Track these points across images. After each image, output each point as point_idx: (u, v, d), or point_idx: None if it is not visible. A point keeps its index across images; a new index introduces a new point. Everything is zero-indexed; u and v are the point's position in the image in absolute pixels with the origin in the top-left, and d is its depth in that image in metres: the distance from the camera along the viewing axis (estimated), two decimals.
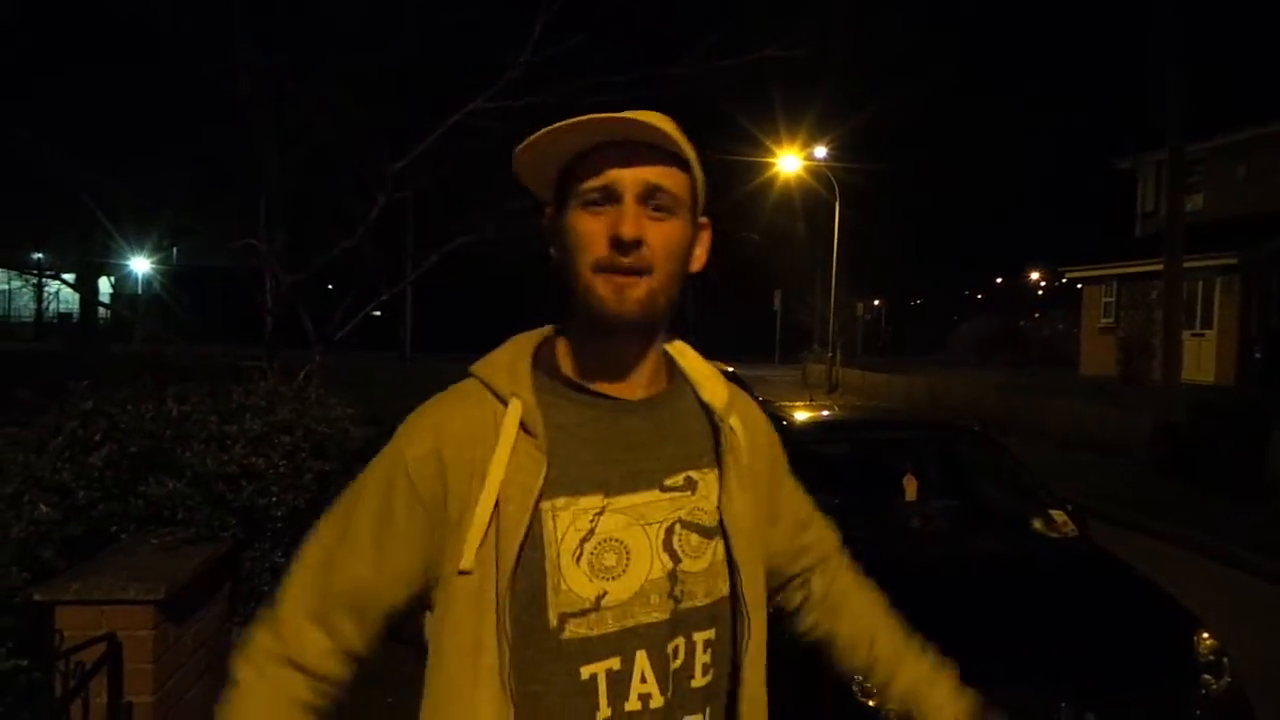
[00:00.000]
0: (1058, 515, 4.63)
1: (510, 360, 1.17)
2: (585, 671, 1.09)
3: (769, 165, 29.69)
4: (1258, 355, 18.30)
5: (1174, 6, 12.10)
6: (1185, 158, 13.65)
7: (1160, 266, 13.41)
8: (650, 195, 1.10)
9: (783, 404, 7.14)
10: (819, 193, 29.68)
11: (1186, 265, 13.61)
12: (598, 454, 1.13)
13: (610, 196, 1.10)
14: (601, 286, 1.09)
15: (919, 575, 4.08)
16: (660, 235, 1.10)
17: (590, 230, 1.10)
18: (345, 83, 5.82)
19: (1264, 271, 18.45)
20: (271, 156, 5.61)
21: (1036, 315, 41.67)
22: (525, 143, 1.10)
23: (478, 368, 1.18)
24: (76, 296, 29.89)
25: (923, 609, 3.81)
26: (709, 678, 1.17)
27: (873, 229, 32.66)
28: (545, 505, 1.09)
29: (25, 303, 36.46)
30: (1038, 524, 4.68)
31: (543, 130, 1.08)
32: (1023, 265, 55.95)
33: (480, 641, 1.06)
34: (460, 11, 5.81)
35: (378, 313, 6.62)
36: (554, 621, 1.08)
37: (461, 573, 1.07)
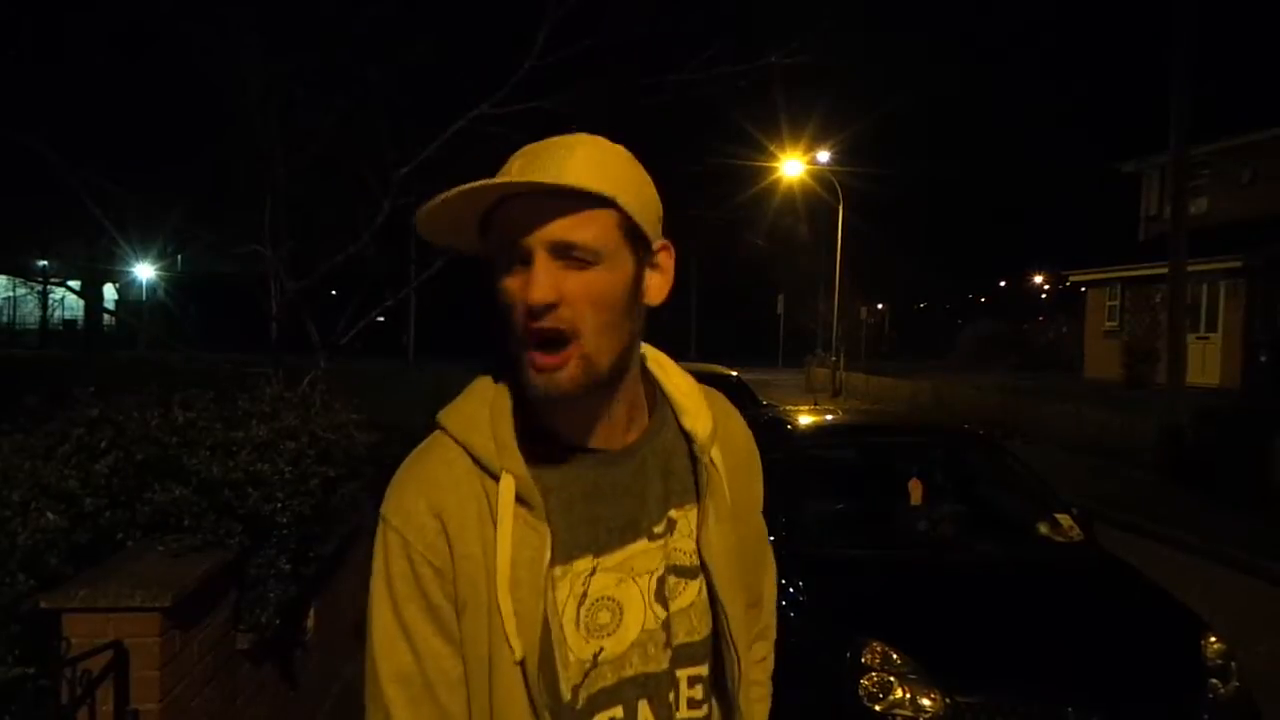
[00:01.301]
0: (1063, 519, 4.62)
1: (490, 420, 1.07)
2: None
3: (772, 170, 29.70)
4: (1263, 358, 18.27)
5: (1179, 10, 12.10)
6: (1189, 161, 13.64)
7: (1165, 270, 13.40)
8: (563, 250, 0.98)
9: (787, 408, 7.13)
10: (822, 197, 29.70)
11: (1191, 268, 13.59)
12: (584, 514, 1.07)
13: (522, 258, 0.99)
14: (528, 370, 1.00)
15: (924, 579, 4.08)
16: (582, 287, 0.99)
17: (510, 298, 1.00)
18: (352, 88, 5.83)
19: (1269, 274, 18.42)
20: (277, 162, 5.62)
21: (1041, 319, 41.60)
22: (418, 216, 1.01)
23: (454, 426, 1.08)
24: (81, 303, 29.96)
25: (928, 613, 3.83)
26: (699, 711, 1.14)
27: (876, 232, 32.71)
28: (548, 579, 1.04)
29: (31, 309, 36.56)
30: (1043, 528, 4.67)
31: (432, 202, 0.99)
32: (1026, 268, 55.93)
33: (524, 713, 1.02)
34: (466, 18, 5.82)
35: (382, 319, 6.63)
36: (567, 695, 1.04)
37: (517, 663, 1.01)
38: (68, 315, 36.36)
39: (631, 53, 6.06)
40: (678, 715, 1.11)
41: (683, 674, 1.12)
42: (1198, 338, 19.42)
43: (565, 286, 0.98)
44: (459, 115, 5.92)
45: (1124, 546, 5.99)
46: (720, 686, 1.16)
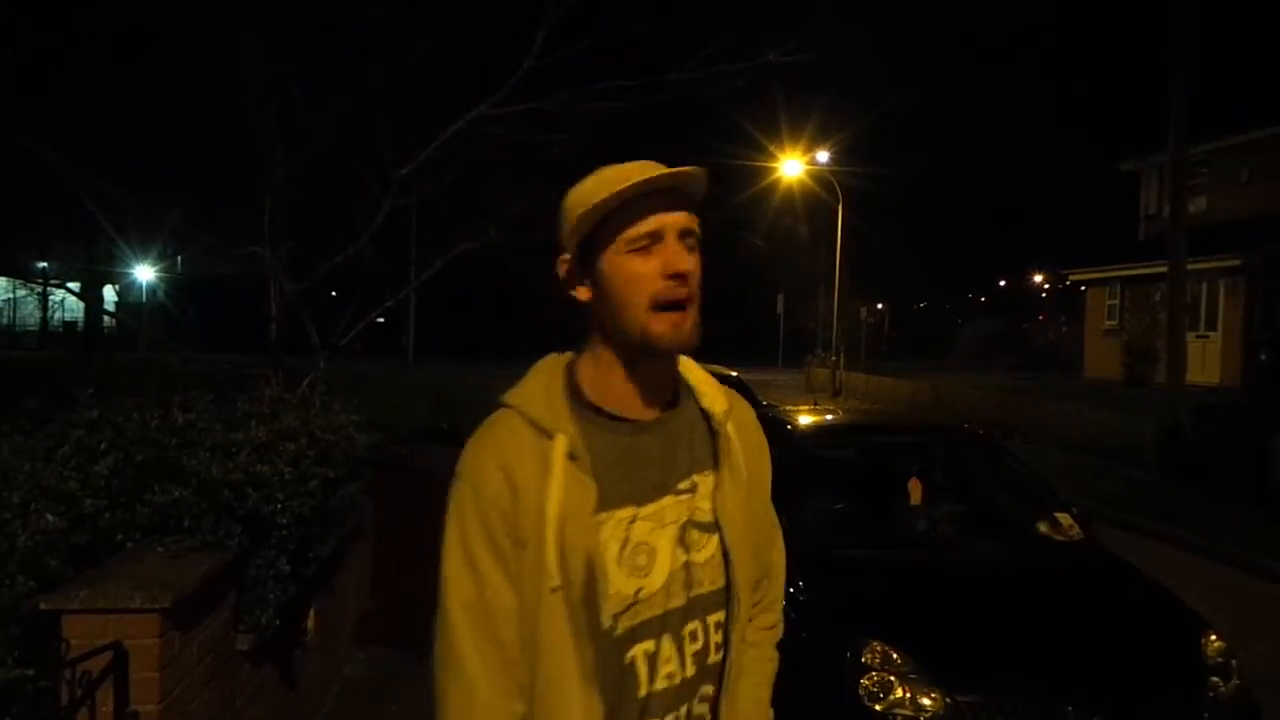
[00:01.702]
0: (1063, 519, 4.62)
1: (545, 393, 1.32)
2: (628, 656, 1.28)
3: (772, 169, 29.69)
4: (1263, 357, 18.26)
5: (1178, 9, 12.10)
6: (1188, 160, 13.63)
7: (1164, 269, 13.39)
8: (686, 235, 1.29)
9: (787, 408, 7.13)
10: (822, 197, 29.69)
11: (1190, 267, 13.59)
12: (626, 472, 1.30)
13: (656, 239, 1.27)
14: (658, 324, 1.26)
15: (924, 579, 4.08)
16: (695, 266, 1.29)
17: (644, 271, 1.27)
18: (352, 88, 5.83)
19: (1268, 273, 18.42)
20: (276, 163, 5.62)
21: (1041, 318, 41.55)
22: (594, 205, 1.26)
23: (517, 402, 1.32)
24: (81, 305, 29.96)
25: (929, 613, 3.82)
26: (721, 654, 1.36)
27: (876, 232, 32.69)
28: (592, 521, 1.26)
29: (31, 311, 36.54)
30: (1043, 528, 4.66)
31: (608, 195, 1.24)
32: (1026, 268, 55.87)
33: (564, 643, 1.23)
34: (466, 18, 5.81)
35: (381, 320, 6.63)
36: (608, 621, 1.25)
37: (554, 590, 1.23)
38: (68, 317, 36.35)
39: (630, 52, 6.05)
40: (710, 660, 1.34)
41: (711, 620, 1.34)
42: (1197, 336, 19.41)
43: (689, 263, 1.28)
44: (458, 116, 5.92)
45: (1124, 545, 5.99)
46: (728, 633, 1.37)
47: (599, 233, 1.28)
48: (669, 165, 1.28)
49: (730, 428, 1.39)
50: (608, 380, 1.33)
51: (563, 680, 1.23)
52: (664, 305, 1.26)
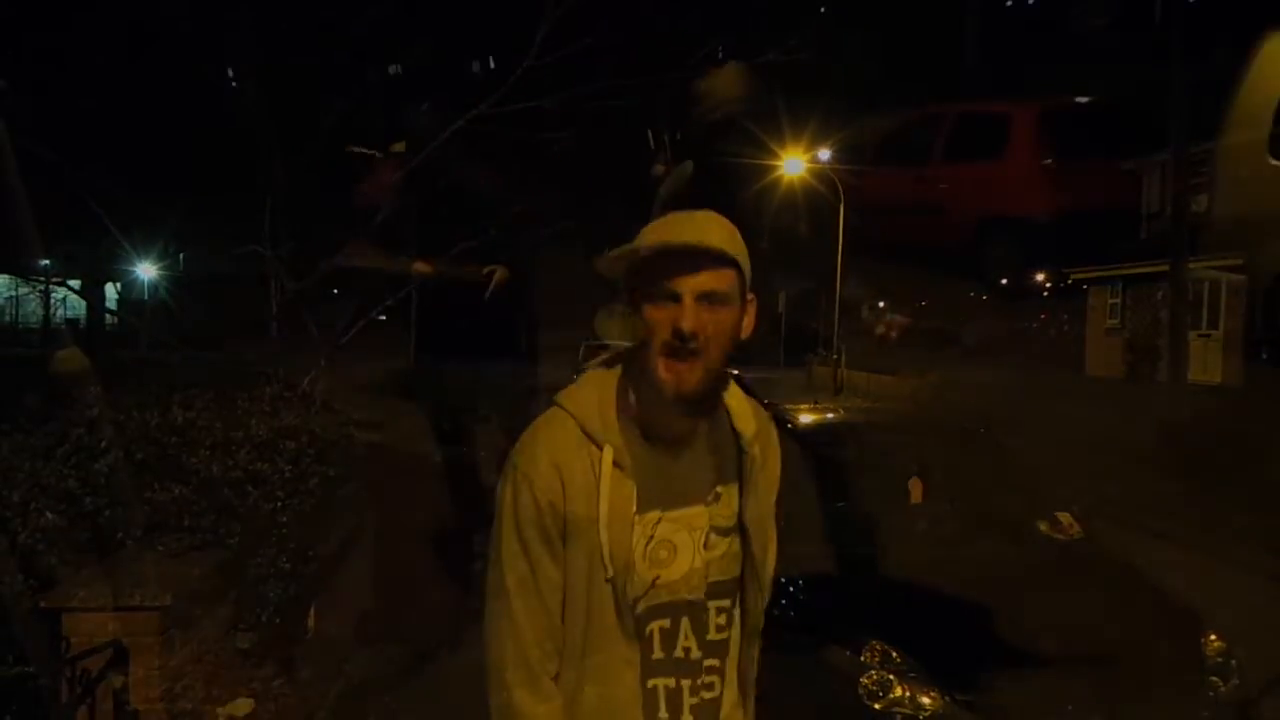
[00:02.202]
0: (1063, 517, 4.61)
1: (599, 404, 1.49)
2: (646, 630, 1.50)
3: (773, 168, 29.61)
4: (1264, 356, 18.22)
5: (1178, 7, 12.09)
6: (1189, 158, 13.61)
7: (1166, 267, 13.38)
8: (706, 296, 1.40)
9: (787, 406, 7.12)
10: (824, 195, 29.61)
11: (1192, 266, 13.57)
12: (658, 480, 1.49)
13: (673, 297, 1.39)
14: (664, 371, 1.41)
15: (924, 579, 4.08)
16: (713, 324, 1.41)
17: (658, 322, 1.41)
18: (351, 89, 5.84)
19: (1270, 271, 18.36)
20: (277, 163, 5.62)
21: (1043, 316, 41.42)
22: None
23: (572, 408, 1.49)
24: (84, 303, 29.94)
25: (928, 612, 3.81)
26: (722, 635, 1.56)
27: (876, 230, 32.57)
28: (629, 521, 1.45)
29: (33, 309, 36.52)
30: (1043, 526, 4.66)
31: (626, 247, 1.42)
32: (1027, 266, 55.60)
33: (610, 613, 1.46)
34: (465, 18, 5.81)
35: (383, 318, 6.63)
36: (631, 601, 1.47)
37: (607, 580, 1.44)
38: (70, 315, 36.31)
39: (630, 51, 6.05)
40: (709, 636, 1.54)
41: (713, 605, 1.54)
42: (1199, 335, 19.37)
43: (702, 321, 1.39)
44: (458, 115, 5.92)
45: (1124, 544, 5.98)
46: (743, 618, 1.60)
47: (642, 273, 1.44)
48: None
49: (756, 449, 1.57)
50: (649, 398, 1.48)
51: (612, 642, 1.46)
52: (672, 353, 1.40)
